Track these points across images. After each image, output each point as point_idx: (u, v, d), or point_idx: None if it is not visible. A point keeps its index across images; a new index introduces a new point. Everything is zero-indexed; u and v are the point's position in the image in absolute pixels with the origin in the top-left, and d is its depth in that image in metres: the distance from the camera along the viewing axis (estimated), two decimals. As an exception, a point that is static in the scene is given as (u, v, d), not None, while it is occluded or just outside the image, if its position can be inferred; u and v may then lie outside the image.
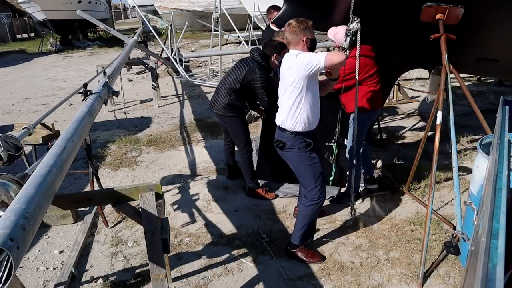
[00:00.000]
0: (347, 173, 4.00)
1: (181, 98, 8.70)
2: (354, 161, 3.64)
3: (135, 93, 9.26)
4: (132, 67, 9.49)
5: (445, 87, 3.13)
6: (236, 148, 4.31)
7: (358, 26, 2.93)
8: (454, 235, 2.58)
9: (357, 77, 3.24)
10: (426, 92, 6.96)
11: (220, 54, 9.78)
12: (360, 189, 4.02)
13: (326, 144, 3.85)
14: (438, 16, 3.26)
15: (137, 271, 3.07)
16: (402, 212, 3.71)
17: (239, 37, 12.05)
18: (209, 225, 3.64)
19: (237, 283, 2.89)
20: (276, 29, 4.82)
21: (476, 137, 5.26)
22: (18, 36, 26.52)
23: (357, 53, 3.10)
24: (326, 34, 3.62)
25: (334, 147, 3.88)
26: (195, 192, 4.24)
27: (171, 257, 3.09)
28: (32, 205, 1.41)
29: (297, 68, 2.72)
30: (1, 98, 9.48)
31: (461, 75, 3.52)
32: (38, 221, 1.43)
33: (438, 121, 2.99)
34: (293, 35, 2.77)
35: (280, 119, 2.94)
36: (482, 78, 8.58)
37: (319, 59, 2.64)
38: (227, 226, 3.61)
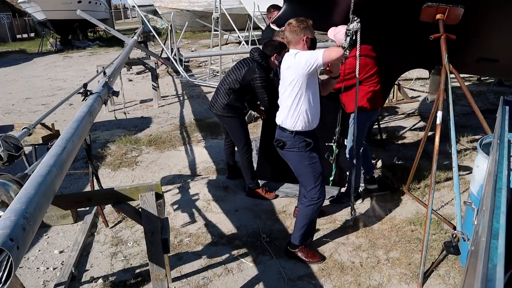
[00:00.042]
0: (347, 173, 4.00)
1: (181, 98, 8.71)
2: (354, 161, 3.64)
3: (135, 93, 9.26)
4: (132, 67, 9.49)
5: (445, 87, 3.13)
6: (236, 148, 4.31)
7: (358, 26, 2.92)
8: (454, 235, 2.58)
9: (357, 77, 3.24)
10: (426, 92, 6.96)
11: (220, 54, 9.78)
12: (360, 189, 4.02)
13: (326, 144, 3.85)
14: (438, 16, 3.26)
15: (137, 271, 3.07)
16: (402, 212, 3.71)
17: (239, 37, 12.05)
18: (209, 225, 3.64)
19: (237, 283, 2.89)
20: (276, 28, 4.82)
21: (476, 137, 5.26)
22: (18, 36, 26.53)
23: (357, 53, 3.10)
24: (326, 34, 3.62)
25: (334, 147, 3.88)
26: (195, 192, 4.24)
27: (171, 257, 3.09)
28: (32, 205, 1.41)
29: (296, 67, 2.72)
30: (1, 98, 9.48)
31: (461, 75, 3.52)
32: (38, 221, 1.43)
33: (438, 121, 2.99)
34: (293, 35, 2.77)
35: (280, 118, 2.94)
36: (482, 78, 8.58)
37: (317, 56, 2.64)
38: (227, 226, 3.61)
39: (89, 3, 20.85)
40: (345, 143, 3.88)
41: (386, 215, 3.67)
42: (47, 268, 3.16)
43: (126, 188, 2.24)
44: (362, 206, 3.86)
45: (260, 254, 3.19)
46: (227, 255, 3.19)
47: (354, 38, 2.98)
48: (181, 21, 17.82)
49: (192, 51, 15.39)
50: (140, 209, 2.25)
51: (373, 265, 2.99)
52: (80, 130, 2.35)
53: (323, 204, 3.79)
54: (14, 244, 1.19)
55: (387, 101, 6.36)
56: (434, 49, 3.32)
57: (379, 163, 4.76)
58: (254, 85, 3.77)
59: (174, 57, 10.24)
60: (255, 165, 4.27)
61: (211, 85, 9.12)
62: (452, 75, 3.22)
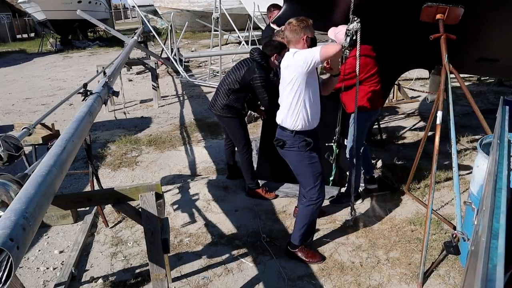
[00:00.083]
0: (347, 173, 4.00)
1: (181, 98, 8.71)
2: (354, 161, 3.64)
3: (135, 93, 9.26)
4: (132, 67, 9.49)
5: (445, 87, 3.13)
6: (236, 148, 4.31)
7: (358, 26, 2.93)
8: (454, 235, 2.58)
9: (357, 77, 3.24)
10: (426, 92, 6.96)
11: (220, 54, 9.79)
12: (360, 189, 4.02)
13: (326, 144, 3.85)
14: (438, 16, 3.26)
15: (137, 271, 3.07)
16: (402, 212, 3.71)
17: (239, 37, 12.05)
18: (209, 225, 3.64)
19: (237, 283, 2.89)
20: (276, 28, 4.82)
21: (476, 137, 5.26)
22: (18, 36, 26.53)
23: (357, 53, 3.10)
24: (326, 34, 3.62)
25: (334, 147, 3.88)
26: (195, 192, 4.24)
27: (171, 257, 3.09)
28: (32, 205, 1.41)
29: (295, 66, 2.72)
30: (1, 98, 9.48)
31: (461, 75, 3.52)
32: (38, 221, 1.43)
33: (438, 121, 2.99)
34: (293, 34, 2.77)
35: (280, 117, 2.94)
36: (482, 78, 8.58)
37: (314, 54, 2.63)
38: (227, 226, 3.61)
39: (89, 3, 20.85)
40: (345, 143, 3.88)
41: (386, 215, 3.67)
42: (47, 268, 3.16)
43: (126, 188, 2.24)
44: (362, 206, 3.86)
45: (260, 254, 3.19)
46: (227, 255, 3.19)
47: (354, 38, 2.98)
48: (181, 21, 17.82)
49: (192, 51, 15.39)
50: (140, 209, 2.25)
51: (373, 265, 2.99)
52: (80, 130, 2.35)
53: (323, 204, 3.80)
54: (14, 244, 1.19)
55: (387, 101, 6.37)
56: (434, 49, 3.32)
57: (379, 163, 4.76)
58: (254, 85, 3.77)
59: (174, 57, 10.24)
60: (255, 165, 4.27)
61: (211, 85, 9.13)
62: (452, 75, 3.22)
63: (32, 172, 1.72)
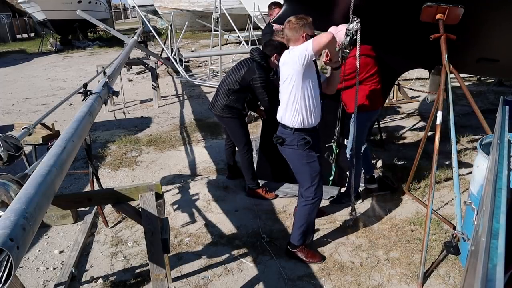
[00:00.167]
0: (347, 173, 4.00)
1: (181, 98, 8.71)
2: (354, 161, 3.64)
3: (135, 93, 9.26)
4: (132, 67, 9.49)
5: (445, 87, 3.13)
6: (236, 149, 4.31)
7: (358, 26, 2.93)
8: (454, 235, 2.58)
9: (357, 77, 3.24)
10: (426, 92, 6.95)
11: (220, 54, 9.79)
12: (360, 189, 4.02)
13: (326, 145, 3.85)
14: (438, 16, 3.26)
15: (137, 271, 3.07)
16: (402, 212, 3.71)
17: (239, 37, 12.05)
18: (209, 225, 3.64)
19: (237, 283, 2.89)
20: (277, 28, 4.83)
21: (476, 137, 5.26)
22: (18, 36, 26.52)
23: (357, 53, 3.10)
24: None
25: (334, 147, 3.88)
26: (195, 192, 4.24)
27: (171, 257, 3.09)
28: (32, 205, 1.41)
29: (291, 63, 2.72)
30: (1, 98, 9.48)
31: (461, 75, 3.52)
32: (38, 221, 1.43)
33: (438, 121, 2.99)
34: (293, 32, 2.77)
35: (279, 114, 2.95)
36: (482, 78, 8.58)
37: (306, 47, 2.60)
38: (227, 226, 3.61)
39: (89, 3, 20.85)
40: (345, 143, 3.88)
41: (386, 215, 3.67)
42: (47, 268, 3.16)
43: (126, 188, 2.24)
44: (362, 206, 3.86)
45: (260, 254, 3.19)
46: (227, 255, 3.19)
47: (354, 37, 2.99)
48: (181, 21, 17.82)
49: (192, 51, 15.39)
50: (140, 209, 2.25)
51: (373, 265, 2.99)
52: (80, 130, 2.35)
53: (323, 204, 3.81)
54: (14, 244, 1.19)
55: (387, 101, 6.36)
56: (434, 49, 3.32)
57: (379, 163, 4.76)
58: (254, 85, 3.77)
59: (174, 57, 10.24)
60: (255, 165, 4.27)
61: (211, 85, 9.12)
62: (452, 75, 3.22)
63: (32, 172, 1.72)
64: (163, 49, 11.93)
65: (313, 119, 2.89)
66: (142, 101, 8.46)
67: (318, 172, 2.95)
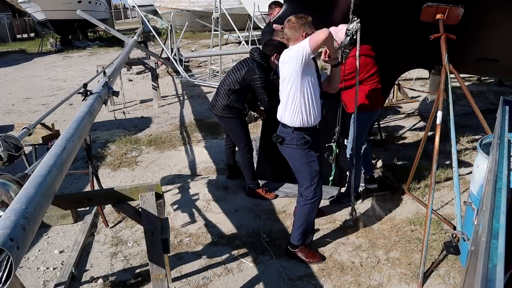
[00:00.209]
0: (347, 173, 4.00)
1: (181, 98, 8.71)
2: (354, 161, 3.64)
3: (135, 93, 9.26)
4: (132, 67, 9.49)
5: (445, 87, 3.13)
6: (237, 149, 4.31)
7: (358, 26, 2.93)
8: (454, 235, 2.58)
9: (357, 77, 3.24)
10: (426, 92, 6.96)
11: (220, 54, 9.79)
12: (360, 189, 4.01)
13: (326, 145, 3.85)
14: (438, 16, 3.26)
15: (137, 271, 3.07)
16: (402, 212, 3.71)
17: (239, 37, 12.05)
18: (209, 225, 3.64)
19: (237, 283, 2.89)
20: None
21: (476, 137, 5.26)
22: (18, 36, 26.52)
23: (357, 53, 3.10)
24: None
25: (334, 147, 3.88)
26: (195, 192, 4.24)
27: (171, 257, 3.09)
28: (32, 205, 1.41)
29: (289, 62, 2.72)
30: (1, 98, 9.48)
31: (461, 75, 3.52)
32: (38, 221, 1.43)
33: (438, 121, 2.99)
34: (292, 31, 2.77)
35: (279, 114, 2.96)
36: (482, 78, 8.58)
37: (304, 45, 2.60)
38: (227, 226, 3.61)
39: (89, 3, 20.85)
40: (345, 143, 3.88)
41: (386, 215, 3.67)
42: (47, 268, 3.16)
43: (126, 188, 2.24)
44: (362, 206, 3.86)
45: (260, 254, 3.19)
46: (227, 255, 3.19)
47: (354, 38, 2.99)
48: (181, 21, 17.82)
49: (192, 51, 15.39)
50: (140, 209, 2.25)
51: (373, 265, 2.99)
52: (80, 130, 2.35)
53: (323, 204, 3.81)
54: (14, 244, 1.19)
55: (387, 101, 6.36)
56: (434, 49, 3.32)
57: (379, 163, 4.76)
58: (254, 85, 3.77)
59: (174, 57, 10.24)
60: (255, 165, 4.27)
61: (211, 85, 9.12)
62: (452, 75, 3.22)
63: (32, 172, 1.72)
64: (163, 49, 11.93)
65: (313, 118, 2.88)
66: (142, 101, 8.46)
67: (318, 171, 2.95)
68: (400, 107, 6.94)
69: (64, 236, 3.60)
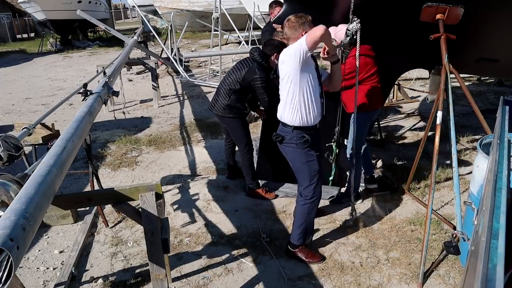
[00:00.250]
0: (347, 173, 4.00)
1: (181, 98, 8.71)
2: (354, 161, 3.64)
3: (135, 93, 9.26)
4: (132, 67, 9.49)
5: (445, 87, 3.13)
6: (237, 148, 4.31)
7: (358, 26, 2.93)
8: (454, 235, 2.58)
9: (357, 77, 3.24)
10: (426, 92, 6.96)
11: (220, 54, 9.79)
12: (360, 189, 4.01)
13: (327, 145, 3.85)
14: (438, 16, 3.26)
15: (137, 271, 3.07)
16: (402, 212, 3.71)
17: (239, 37, 12.05)
18: (209, 225, 3.64)
19: (237, 283, 2.89)
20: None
21: (476, 137, 5.26)
22: (18, 36, 26.52)
23: (357, 53, 3.10)
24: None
25: (334, 146, 3.88)
26: (195, 192, 4.24)
27: (171, 257, 3.09)
28: (32, 205, 1.41)
29: (288, 60, 2.73)
30: (1, 98, 9.48)
31: (461, 75, 3.52)
32: (38, 221, 1.43)
33: (438, 121, 2.99)
34: (292, 30, 2.77)
35: (279, 113, 2.96)
36: (482, 78, 8.58)
37: (301, 43, 2.60)
38: (227, 226, 3.61)
39: (89, 3, 20.85)
40: (345, 143, 3.88)
41: (386, 215, 3.67)
42: (47, 268, 3.16)
43: (126, 188, 2.24)
44: (362, 206, 3.86)
45: (260, 254, 3.19)
46: (227, 255, 3.19)
47: (354, 38, 2.99)
48: (181, 21, 17.82)
49: (192, 51, 15.39)
50: (140, 209, 2.25)
51: (373, 265, 2.99)
52: (80, 130, 2.35)
53: (324, 204, 3.81)
54: (14, 244, 1.19)
55: (387, 101, 6.36)
56: (434, 49, 3.32)
57: (379, 163, 4.76)
58: (255, 85, 3.77)
59: (174, 57, 10.24)
60: (255, 165, 4.27)
61: (211, 85, 9.12)
62: (452, 75, 3.22)
63: (32, 172, 1.72)
64: (163, 49, 11.93)
65: (313, 117, 2.87)
66: (142, 101, 8.46)
67: (317, 171, 2.94)
68: (400, 107, 6.94)
69: (64, 236, 3.60)
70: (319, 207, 3.66)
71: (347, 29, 3.00)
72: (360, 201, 3.92)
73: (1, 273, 1.17)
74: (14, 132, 3.21)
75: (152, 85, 7.95)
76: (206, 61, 11.46)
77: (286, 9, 4.51)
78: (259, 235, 3.42)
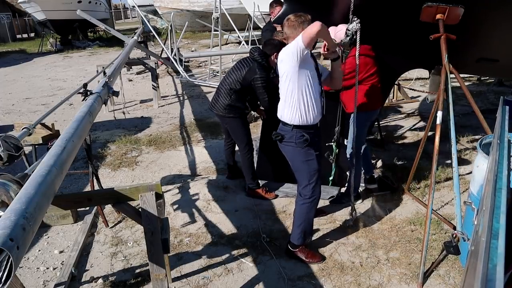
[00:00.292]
0: (347, 173, 4.00)
1: (181, 98, 8.71)
2: (354, 161, 3.64)
3: (135, 93, 9.26)
4: (132, 67, 9.49)
5: (445, 87, 3.13)
6: (236, 148, 4.31)
7: (358, 26, 2.93)
8: (454, 235, 2.58)
9: (356, 77, 3.24)
10: (426, 92, 6.96)
11: (220, 54, 9.79)
12: (360, 189, 4.01)
13: (327, 144, 3.85)
14: (438, 16, 3.26)
15: (137, 271, 3.07)
16: (402, 212, 3.71)
17: (239, 37, 12.05)
18: (209, 225, 3.64)
19: (237, 283, 2.89)
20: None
21: (476, 137, 5.26)
22: (18, 36, 26.52)
23: (357, 53, 3.10)
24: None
25: (334, 146, 3.88)
26: (195, 192, 4.24)
27: (171, 257, 3.09)
28: (32, 205, 1.41)
29: (286, 59, 2.73)
30: (1, 98, 9.48)
31: (461, 75, 3.52)
32: (38, 221, 1.43)
33: (438, 121, 2.99)
34: (291, 29, 2.77)
35: (279, 111, 2.96)
36: (482, 78, 8.58)
37: (297, 42, 2.61)
38: (227, 226, 3.61)
39: (89, 3, 20.85)
40: (345, 143, 3.88)
41: (386, 215, 3.67)
42: (47, 268, 3.16)
43: (126, 188, 2.24)
44: (362, 206, 3.86)
45: (260, 254, 3.19)
46: (227, 255, 3.19)
47: (354, 38, 2.99)
48: (181, 21, 17.82)
49: (192, 51, 15.39)
50: (140, 209, 2.25)
51: (373, 265, 2.99)
52: (80, 130, 2.35)
53: (324, 204, 3.82)
54: (14, 244, 1.19)
55: (387, 101, 6.37)
56: (434, 49, 3.32)
57: (379, 163, 4.76)
58: (255, 85, 3.77)
59: (174, 57, 10.24)
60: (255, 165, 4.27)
61: (211, 85, 9.13)
62: (452, 75, 3.22)
63: (32, 172, 1.72)
64: (163, 49, 11.93)
65: (312, 116, 2.86)
66: (142, 101, 8.46)
67: (316, 170, 2.94)
68: (400, 107, 6.94)
69: (64, 236, 3.60)
70: (319, 207, 3.67)
71: (347, 29, 3.00)
72: (360, 201, 3.92)
73: (1, 273, 1.17)
74: (14, 132, 3.21)
75: (152, 85, 7.95)
76: (206, 61, 11.46)
77: (286, 9, 4.52)
78: (259, 235, 3.42)
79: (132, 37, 9.58)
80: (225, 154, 4.53)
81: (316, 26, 2.53)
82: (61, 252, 3.36)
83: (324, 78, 3.04)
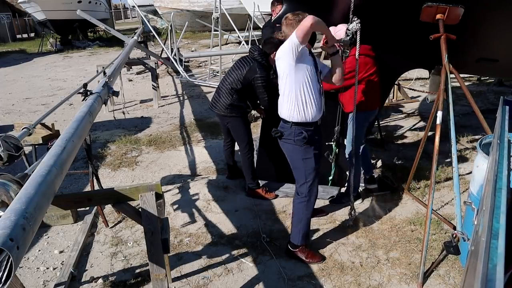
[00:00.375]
0: (347, 173, 4.00)
1: (181, 98, 8.71)
2: (354, 161, 3.64)
3: (135, 93, 9.26)
4: (132, 67, 9.49)
5: (445, 87, 3.13)
6: (236, 148, 4.31)
7: (358, 26, 2.93)
8: (454, 235, 2.58)
9: (356, 77, 3.24)
10: (426, 92, 6.96)
11: (220, 54, 9.80)
12: (360, 189, 4.01)
13: (326, 143, 3.85)
14: (438, 16, 3.26)
15: (137, 271, 3.07)
16: (402, 212, 3.71)
17: (239, 37, 12.05)
18: (209, 225, 3.64)
19: (237, 283, 2.89)
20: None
21: (476, 137, 5.26)
22: (18, 36, 26.52)
23: (357, 53, 3.10)
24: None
25: (333, 146, 3.88)
26: (195, 192, 4.24)
27: (171, 257, 3.09)
28: (32, 205, 1.41)
29: (283, 57, 2.74)
30: (1, 98, 9.48)
31: (461, 75, 3.52)
32: (38, 221, 1.43)
33: (438, 121, 2.99)
34: (289, 28, 2.77)
35: (279, 109, 2.96)
36: (482, 78, 8.58)
37: (292, 38, 2.61)
38: (227, 226, 3.61)
39: (89, 3, 20.85)
40: (345, 143, 3.88)
41: (386, 215, 3.67)
42: (47, 268, 3.16)
43: (126, 188, 2.24)
44: (362, 206, 3.86)
45: (260, 254, 3.19)
46: (227, 255, 3.19)
47: (354, 38, 2.99)
48: (181, 21, 17.82)
49: (192, 51, 15.39)
50: (140, 209, 2.25)
51: (373, 265, 2.99)
52: (80, 130, 2.35)
53: (324, 204, 3.82)
54: (14, 244, 1.19)
55: (387, 101, 6.37)
56: (434, 49, 3.32)
57: (379, 163, 4.76)
58: (255, 84, 3.77)
59: (174, 57, 10.24)
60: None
61: (211, 85, 9.13)
62: (452, 75, 3.22)
63: (32, 172, 1.72)
64: (163, 49, 11.93)
65: (311, 113, 2.85)
66: (142, 101, 8.46)
67: (314, 169, 2.93)
68: (400, 107, 6.94)
69: (64, 236, 3.60)
70: (319, 207, 3.68)
71: (347, 29, 3.00)
72: (360, 201, 3.92)
73: (1, 273, 1.17)
74: (14, 132, 3.21)
75: (152, 85, 7.95)
76: (206, 61, 11.46)
77: (286, 8, 4.52)
78: (259, 235, 3.42)
79: (132, 37, 9.58)
80: (225, 154, 4.53)
81: (308, 20, 2.53)
82: (61, 252, 3.36)
83: (324, 75, 3.03)
